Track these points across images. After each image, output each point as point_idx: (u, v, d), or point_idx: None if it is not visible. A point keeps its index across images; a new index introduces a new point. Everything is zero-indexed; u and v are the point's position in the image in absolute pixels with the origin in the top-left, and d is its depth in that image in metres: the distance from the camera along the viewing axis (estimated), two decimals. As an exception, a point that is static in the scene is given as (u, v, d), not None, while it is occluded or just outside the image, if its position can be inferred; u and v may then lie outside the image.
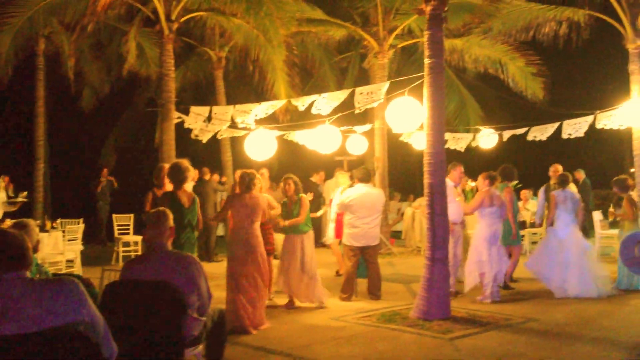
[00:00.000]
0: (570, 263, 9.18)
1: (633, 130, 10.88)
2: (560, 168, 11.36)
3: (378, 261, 9.37)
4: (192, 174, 7.64)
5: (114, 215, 14.05)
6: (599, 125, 11.35)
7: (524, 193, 15.04)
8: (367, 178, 9.34)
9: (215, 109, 11.96)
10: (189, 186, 7.44)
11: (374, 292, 9.11)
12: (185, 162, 7.22)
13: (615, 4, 11.31)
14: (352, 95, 10.34)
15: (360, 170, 9.59)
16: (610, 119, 10.95)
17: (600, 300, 8.86)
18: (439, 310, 7.57)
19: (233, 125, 11.72)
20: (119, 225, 13.80)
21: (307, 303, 8.59)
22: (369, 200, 9.12)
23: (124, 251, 13.16)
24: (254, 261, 7.43)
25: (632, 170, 13.47)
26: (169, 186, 7.40)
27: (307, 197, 9.02)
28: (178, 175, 7.10)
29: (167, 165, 7.71)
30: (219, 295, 8.28)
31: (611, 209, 10.75)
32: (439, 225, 7.80)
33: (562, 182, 9.85)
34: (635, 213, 9.45)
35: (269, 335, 7.08)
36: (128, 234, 13.80)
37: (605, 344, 6.62)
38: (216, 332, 5.05)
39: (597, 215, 13.16)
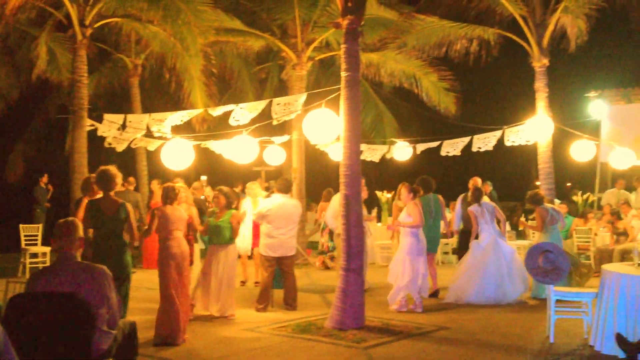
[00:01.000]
0: (489, 270, 9.52)
1: (538, 145, 11.38)
2: (479, 181, 11.71)
3: (294, 272, 9.39)
4: (120, 180, 7.49)
5: (20, 226, 13.47)
6: (507, 142, 11.81)
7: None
8: (285, 189, 9.36)
9: (130, 117, 11.73)
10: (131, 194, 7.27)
11: (290, 303, 9.12)
12: (114, 169, 7.08)
13: (523, 24, 11.85)
14: (270, 105, 10.38)
15: (280, 180, 9.61)
16: (517, 135, 11.43)
17: (511, 307, 9.20)
18: (353, 320, 7.67)
19: (149, 134, 11.52)
20: (26, 236, 13.23)
21: (217, 314, 8.49)
22: (285, 210, 9.14)
23: (31, 263, 12.63)
24: (182, 272, 7.37)
25: (538, 183, 14.06)
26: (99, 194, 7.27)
27: (239, 212, 9.06)
28: (105, 182, 6.96)
29: (94, 175, 7.54)
30: (144, 307, 8.20)
31: (522, 219, 11.20)
32: (354, 236, 7.90)
33: (477, 197, 10.18)
34: (545, 225, 9.85)
35: (184, 349, 6.97)
36: (36, 244, 13.26)
37: (513, 351, 6.89)
38: (127, 345, 4.93)
39: (505, 227, 13.61)
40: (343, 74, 8.07)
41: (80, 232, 4.71)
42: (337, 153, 12.03)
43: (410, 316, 8.60)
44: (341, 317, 7.67)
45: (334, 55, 14.71)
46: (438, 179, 11.29)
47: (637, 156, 14.02)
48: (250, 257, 11.38)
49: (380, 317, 8.37)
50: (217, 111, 10.70)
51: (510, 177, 25.07)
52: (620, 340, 6.13)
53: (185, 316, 7.37)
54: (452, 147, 12.87)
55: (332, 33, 14.15)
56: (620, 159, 13.32)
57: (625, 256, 10.84)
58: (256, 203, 10.22)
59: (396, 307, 8.98)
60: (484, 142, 12.17)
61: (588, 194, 15.51)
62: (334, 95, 8.97)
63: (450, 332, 7.75)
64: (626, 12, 12.35)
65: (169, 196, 7.58)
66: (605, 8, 12.47)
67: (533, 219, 10.14)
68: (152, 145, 13.05)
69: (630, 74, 18.85)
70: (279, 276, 9.28)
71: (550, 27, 12.01)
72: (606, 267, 7.20)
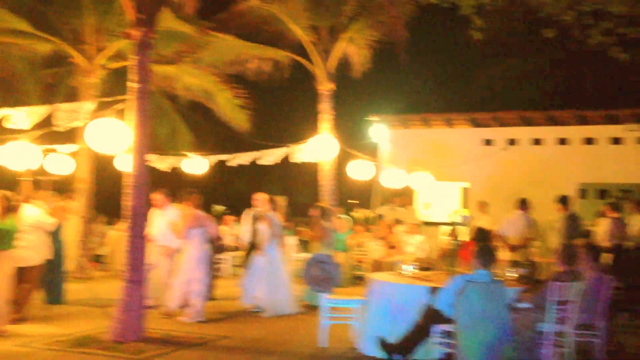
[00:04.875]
0: (272, 281, 9.95)
1: (321, 163, 12.15)
2: (261, 196, 12.10)
3: (36, 282, 9.10)
4: None
5: None
6: (295, 159, 12.44)
7: (229, 218, 15.69)
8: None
9: None
10: None
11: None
12: None
13: (311, 50, 12.58)
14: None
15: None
16: (303, 153, 12.11)
17: (292, 316, 9.74)
18: (133, 332, 7.63)
19: None
20: None
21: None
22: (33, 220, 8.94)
23: None
24: None
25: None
26: None
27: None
28: None
29: None
30: None
31: (302, 228, 11.82)
32: (138, 248, 7.90)
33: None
34: (323, 236, 10.51)
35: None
36: None
37: (290, 356, 7.34)
38: None
39: (292, 240, 14.27)
40: (133, 85, 8.06)
41: None
42: (124, 164, 11.88)
43: (195, 327, 8.74)
44: (122, 329, 7.60)
45: (128, 65, 14.43)
46: (232, 193, 11.59)
47: (410, 176, 15.47)
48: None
49: (163, 329, 8.41)
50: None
51: (302, 192, 26.09)
52: (382, 342, 6.75)
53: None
54: (241, 160, 13.28)
55: (127, 43, 13.87)
56: (393, 179, 14.61)
57: (394, 267, 11.88)
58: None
59: (182, 318, 9.09)
60: (274, 157, 12.72)
61: (366, 210, 16.77)
62: (124, 105, 8.89)
63: (231, 340, 8.01)
64: (404, 47, 13.54)
65: None
66: (387, 41, 13.62)
67: (315, 232, 10.80)
68: None
69: (408, 101, 20.69)
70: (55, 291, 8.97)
71: (336, 55, 12.88)
72: (373, 275, 7.93)
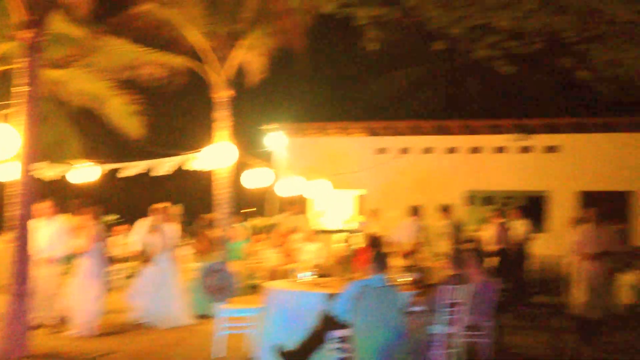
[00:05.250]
0: (158, 293, 9.75)
1: (216, 172, 12.05)
2: (156, 206, 11.86)
3: None
4: None
5: None
6: (189, 167, 12.27)
7: (120, 228, 15.26)
8: None
9: None
10: None
11: None
12: None
13: (209, 56, 12.47)
14: None
15: None
16: (199, 161, 11.97)
17: (184, 328, 9.57)
18: (18, 347, 7.30)
19: None
20: None
21: None
22: None
23: None
24: None
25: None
26: None
27: None
28: None
29: None
30: None
31: (192, 240, 11.72)
32: (24, 260, 7.57)
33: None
34: (210, 247, 10.44)
35: None
36: None
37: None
38: None
39: (186, 250, 14.04)
40: (21, 89, 7.75)
41: None
42: (7, 171, 11.31)
43: (83, 341, 8.47)
44: (5, 344, 7.26)
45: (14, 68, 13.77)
46: (126, 202, 11.31)
47: (308, 184, 15.64)
48: None
49: (50, 345, 8.08)
50: None
51: (199, 201, 25.74)
52: (279, 350, 6.78)
53: None
54: (134, 169, 12.97)
55: (15, 45, 13.25)
56: (290, 187, 14.74)
57: (290, 275, 11.96)
58: None
59: (71, 332, 8.77)
60: (169, 166, 12.50)
61: (262, 218, 16.78)
62: (12, 110, 8.49)
63: (120, 355, 7.84)
64: (297, 55, 13.67)
65: None
66: (285, 49, 13.70)
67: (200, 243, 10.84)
68: None
69: (305, 110, 20.91)
70: None
71: (234, 62, 12.82)
72: (269, 284, 7.96)
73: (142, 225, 10.98)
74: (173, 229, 10.60)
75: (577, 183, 16.93)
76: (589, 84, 10.68)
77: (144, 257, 10.28)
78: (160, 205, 11.87)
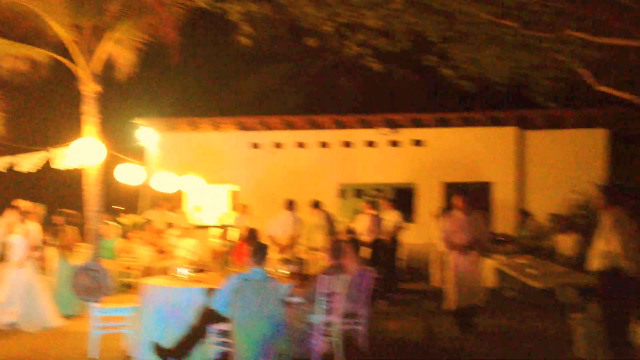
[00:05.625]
0: (24, 296, 9.32)
1: (84, 168, 11.61)
2: (17, 205, 11.27)
3: None
4: None
5: None
6: (57, 164, 11.70)
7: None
8: None
9: None
10: None
11: None
12: None
13: (75, 49, 11.97)
14: None
15: None
16: (66, 157, 11.45)
17: (56, 330, 9.18)
18: None
19: None
20: None
21: None
22: None
23: None
24: None
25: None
26: None
27: None
28: None
29: None
30: None
31: (49, 239, 11.27)
32: None
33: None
34: (73, 242, 10.11)
35: None
36: None
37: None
38: None
39: (52, 250, 13.39)
40: None
41: None
42: None
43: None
44: None
45: None
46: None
47: (181, 180, 15.40)
48: None
49: None
50: None
51: (66, 199, 24.62)
52: (157, 347, 6.69)
53: None
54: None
55: None
56: (163, 183, 14.46)
57: (166, 272, 11.75)
58: None
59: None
60: (34, 163, 11.87)
61: (134, 215, 16.35)
62: None
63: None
64: (168, 49, 13.41)
65: None
66: (156, 43, 13.38)
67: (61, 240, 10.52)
68: None
69: (175, 105, 20.51)
70: None
71: (101, 56, 12.38)
72: (144, 280, 7.82)
73: (1, 226, 10.42)
74: (35, 229, 10.14)
75: (442, 175, 17.86)
76: (452, 80, 11.27)
77: (6, 259, 9.77)
78: (20, 203, 11.32)
